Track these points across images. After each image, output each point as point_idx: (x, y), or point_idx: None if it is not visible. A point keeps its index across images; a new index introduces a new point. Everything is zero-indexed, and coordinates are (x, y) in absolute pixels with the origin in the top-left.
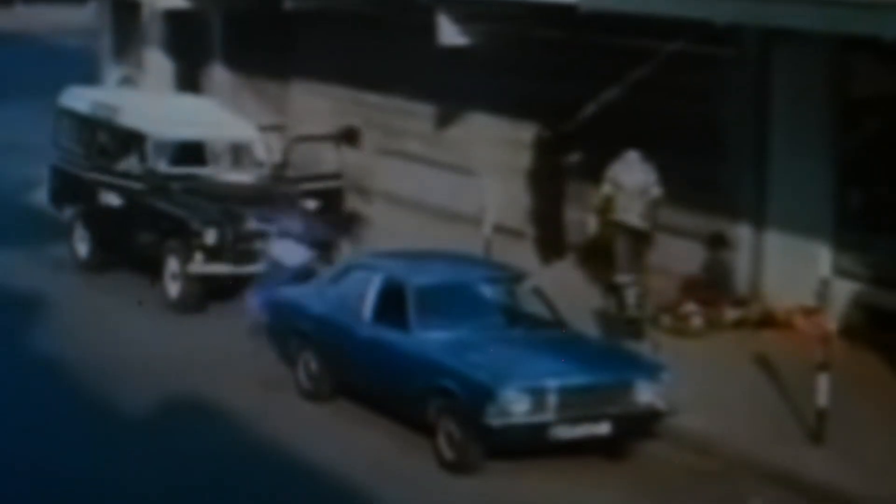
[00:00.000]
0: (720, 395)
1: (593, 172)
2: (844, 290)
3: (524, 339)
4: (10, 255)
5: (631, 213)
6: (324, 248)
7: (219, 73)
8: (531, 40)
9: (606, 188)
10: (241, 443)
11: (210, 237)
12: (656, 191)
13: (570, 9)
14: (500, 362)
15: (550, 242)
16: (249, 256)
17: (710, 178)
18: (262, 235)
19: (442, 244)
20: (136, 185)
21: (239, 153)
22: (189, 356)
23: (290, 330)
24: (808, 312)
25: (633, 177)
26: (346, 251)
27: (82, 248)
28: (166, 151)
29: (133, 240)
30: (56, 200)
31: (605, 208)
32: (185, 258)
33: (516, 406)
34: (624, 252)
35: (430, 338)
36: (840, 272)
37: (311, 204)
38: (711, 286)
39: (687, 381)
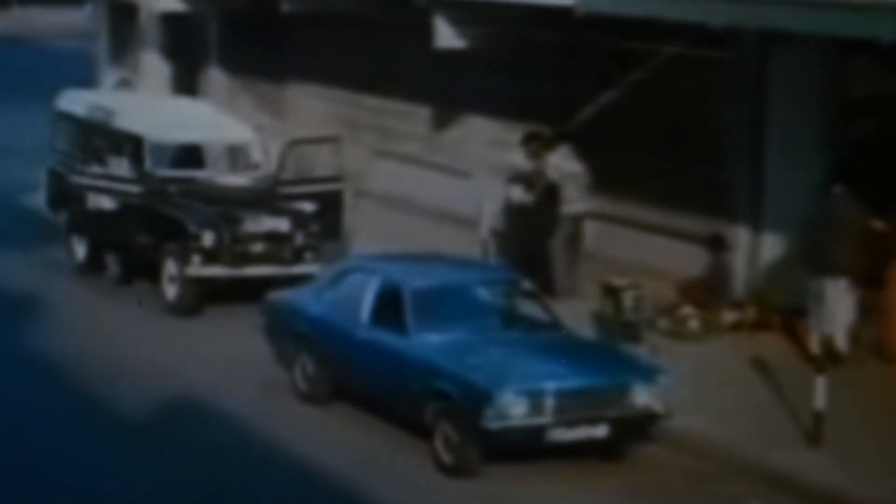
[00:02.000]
0: (717, 398)
1: (590, 174)
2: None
3: (521, 341)
4: (8, 258)
5: (575, 203)
6: None
7: (215, 76)
8: (528, 43)
9: (553, 175)
10: (238, 445)
11: (207, 239)
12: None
13: (567, 11)
14: (498, 365)
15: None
16: (247, 259)
17: (707, 179)
18: (259, 238)
19: (439, 247)
20: (133, 188)
21: (236, 156)
22: (186, 358)
23: (287, 332)
24: (805, 315)
25: (574, 165)
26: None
27: (79, 250)
28: (163, 154)
29: (130, 243)
30: (53, 203)
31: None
32: (183, 260)
33: (513, 409)
34: (568, 248)
35: (428, 340)
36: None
37: (309, 206)
38: (708, 288)
39: (684, 384)
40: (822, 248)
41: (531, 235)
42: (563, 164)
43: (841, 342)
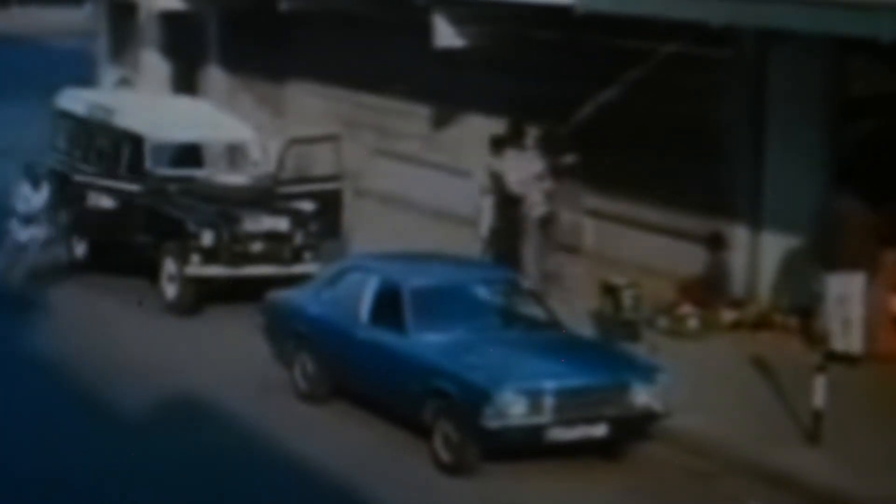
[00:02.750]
0: (717, 397)
1: (589, 173)
2: None
3: (521, 340)
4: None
5: (538, 207)
6: None
7: (215, 75)
8: (527, 41)
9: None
10: (238, 444)
11: (206, 239)
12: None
13: (567, 10)
14: (497, 364)
15: None
16: (246, 258)
17: (706, 178)
18: (258, 237)
19: (438, 246)
20: (133, 187)
21: (235, 155)
22: (186, 358)
23: (287, 331)
24: (805, 313)
25: (533, 167)
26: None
27: (79, 249)
28: (163, 153)
29: (129, 242)
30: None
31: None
32: (182, 260)
33: (513, 408)
34: (538, 246)
35: (427, 340)
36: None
37: (308, 205)
38: (708, 287)
39: (683, 383)
40: (830, 246)
41: (502, 237)
42: (527, 167)
43: (856, 343)
